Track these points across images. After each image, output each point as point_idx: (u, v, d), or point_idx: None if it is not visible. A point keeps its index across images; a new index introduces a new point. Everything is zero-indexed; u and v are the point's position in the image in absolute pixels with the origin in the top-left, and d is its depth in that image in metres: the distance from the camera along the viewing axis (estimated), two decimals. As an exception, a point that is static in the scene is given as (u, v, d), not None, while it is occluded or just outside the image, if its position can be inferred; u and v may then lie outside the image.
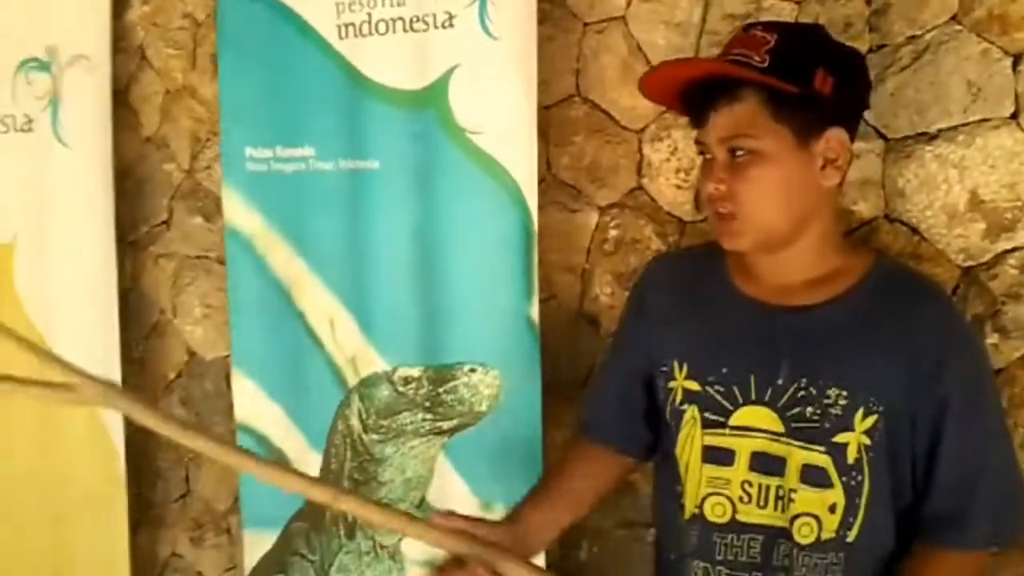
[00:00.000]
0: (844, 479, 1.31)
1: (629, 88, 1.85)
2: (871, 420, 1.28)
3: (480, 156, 1.82)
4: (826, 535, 1.32)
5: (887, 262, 1.46)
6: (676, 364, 1.42)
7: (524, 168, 1.79)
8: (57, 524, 2.43)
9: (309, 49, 1.97)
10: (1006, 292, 1.58)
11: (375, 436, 1.97)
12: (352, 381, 2.01)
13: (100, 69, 2.35)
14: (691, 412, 1.39)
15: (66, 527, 2.43)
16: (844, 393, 1.29)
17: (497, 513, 1.86)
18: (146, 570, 2.57)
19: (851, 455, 1.30)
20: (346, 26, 1.93)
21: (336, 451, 2.03)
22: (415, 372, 1.92)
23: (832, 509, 1.32)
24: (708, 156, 1.34)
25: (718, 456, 1.37)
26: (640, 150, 1.88)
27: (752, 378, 1.35)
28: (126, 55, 2.46)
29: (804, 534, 1.33)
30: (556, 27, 1.93)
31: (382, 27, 1.89)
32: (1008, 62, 1.55)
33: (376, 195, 1.93)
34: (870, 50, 1.63)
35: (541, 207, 1.96)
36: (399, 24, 1.88)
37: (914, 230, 1.63)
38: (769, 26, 1.36)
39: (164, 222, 2.48)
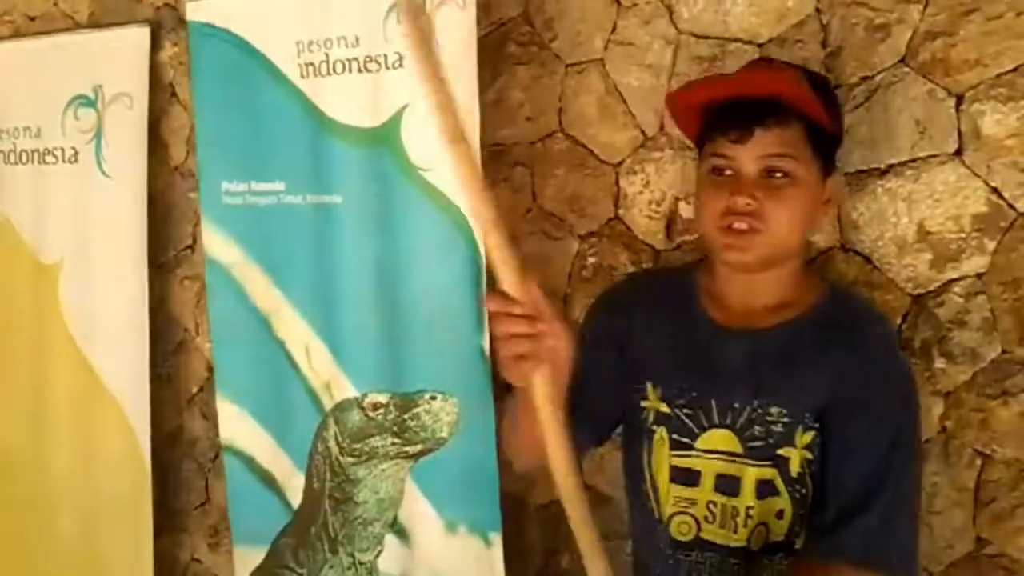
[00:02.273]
0: (789, 489, 1.35)
1: (607, 125, 1.90)
2: (810, 436, 1.33)
3: (432, 192, 1.86)
4: (773, 537, 1.37)
5: (840, 292, 1.51)
6: (650, 386, 1.46)
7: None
8: (88, 528, 2.54)
9: (275, 87, 2.01)
10: (952, 319, 1.60)
11: (350, 458, 2.01)
12: (328, 405, 2.05)
13: (138, 106, 2.50)
14: (660, 433, 1.44)
15: (97, 531, 2.53)
16: (784, 411, 1.35)
17: (461, 535, 1.91)
18: (168, 573, 2.66)
19: (794, 469, 1.34)
20: (307, 65, 1.97)
21: (317, 472, 2.08)
22: (383, 399, 1.96)
23: (779, 515, 1.37)
24: (728, 173, 1.35)
25: (685, 477, 1.42)
26: (617, 183, 1.92)
27: (713, 402, 1.39)
28: (158, 91, 2.61)
29: (756, 541, 1.38)
30: (542, 68, 1.97)
31: (339, 67, 1.93)
32: (952, 102, 1.57)
33: (340, 229, 1.97)
34: (828, 90, 1.72)
35: (526, 236, 2.05)
36: (354, 64, 1.92)
37: (867, 259, 1.66)
38: (792, 66, 1.45)
39: (189, 246, 2.59)
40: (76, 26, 2.63)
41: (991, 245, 1.57)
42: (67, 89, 2.51)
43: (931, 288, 1.62)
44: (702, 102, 1.41)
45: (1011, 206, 1.55)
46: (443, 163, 1.81)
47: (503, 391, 1.88)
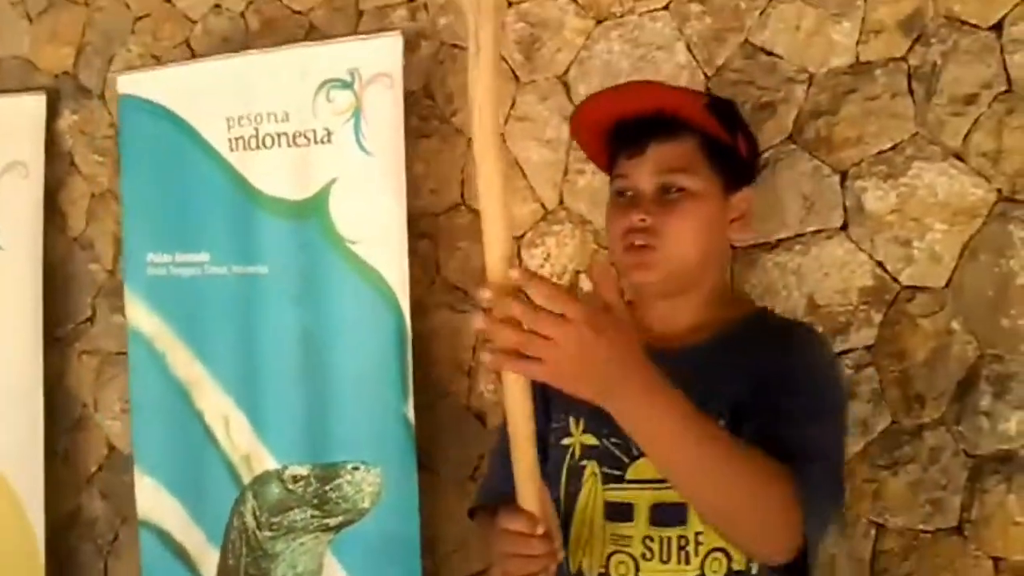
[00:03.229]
0: None
1: (509, 196, 1.92)
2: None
3: (358, 263, 1.88)
4: (736, 566, 1.26)
5: (766, 311, 1.48)
6: (572, 420, 1.37)
7: (397, 275, 1.85)
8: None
9: (203, 160, 2.04)
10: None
11: (267, 533, 1.98)
12: (246, 479, 2.03)
13: (34, 174, 2.45)
14: (591, 468, 1.34)
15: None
16: (722, 423, 1.23)
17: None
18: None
19: None
20: (236, 139, 2.00)
21: (233, 547, 2.04)
22: (303, 471, 1.95)
23: None
24: (628, 193, 1.33)
25: (619, 511, 1.32)
26: (519, 255, 1.93)
27: None
28: (56, 161, 2.56)
29: (714, 569, 1.27)
30: (443, 142, 2.01)
31: (268, 141, 1.97)
32: (836, 178, 1.63)
33: (265, 299, 1.98)
34: (718, 165, 1.76)
35: (432, 308, 2.03)
36: (283, 139, 1.95)
37: None
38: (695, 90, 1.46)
39: (88, 319, 2.54)
40: (-31, 93, 2.57)
41: (878, 318, 1.61)
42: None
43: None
44: (598, 121, 1.39)
45: (895, 279, 1.59)
46: (369, 234, 1.87)
47: (425, 459, 1.88)
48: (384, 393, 1.86)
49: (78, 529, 2.54)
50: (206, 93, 2.05)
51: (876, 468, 1.61)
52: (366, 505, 1.89)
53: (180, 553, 2.13)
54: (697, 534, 1.27)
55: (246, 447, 2.03)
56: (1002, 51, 1.51)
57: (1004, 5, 1.50)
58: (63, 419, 2.54)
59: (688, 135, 1.32)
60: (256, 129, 1.99)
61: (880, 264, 1.61)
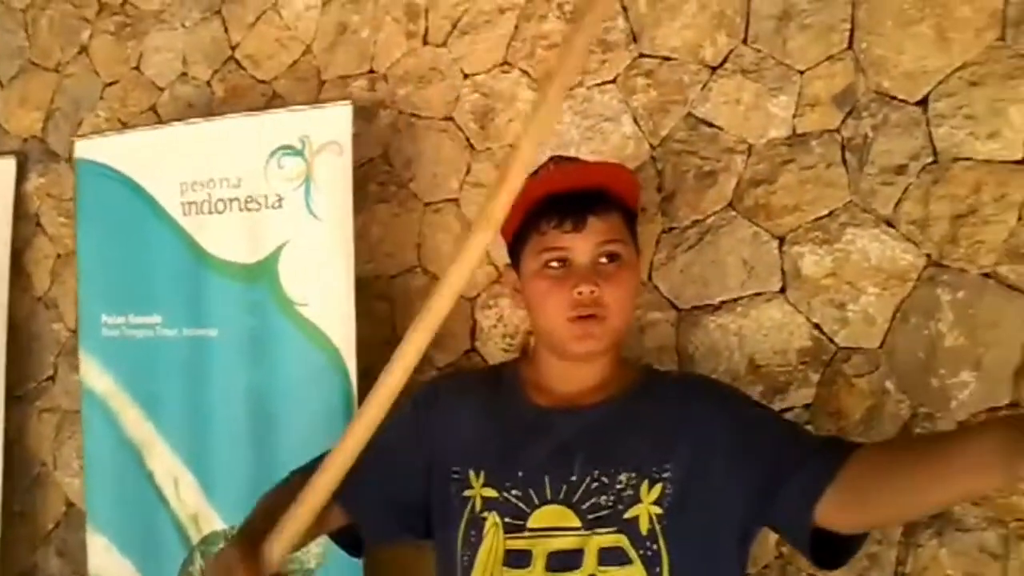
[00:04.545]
0: (641, 551, 1.29)
1: None
2: (658, 489, 1.30)
3: (306, 326, 1.88)
4: None
5: (652, 369, 1.57)
6: (472, 473, 1.39)
7: (343, 337, 1.84)
8: None
9: (157, 224, 2.05)
10: None
11: None
12: (195, 539, 1.99)
13: (1, 235, 2.47)
14: (492, 519, 1.36)
15: None
16: (633, 474, 1.31)
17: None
18: None
19: (643, 527, 1.29)
20: (189, 204, 2.02)
21: None
22: None
23: None
24: (560, 264, 1.35)
25: (517, 559, 1.34)
26: (473, 316, 1.95)
27: (546, 479, 1.34)
28: (23, 222, 2.58)
29: None
30: (401, 206, 2.04)
31: (220, 206, 1.98)
32: (775, 244, 1.66)
33: (215, 362, 1.97)
34: (663, 231, 1.76)
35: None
36: (235, 204, 1.97)
37: None
38: (587, 161, 1.53)
39: (50, 378, 2.53)
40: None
41: (815, 377, 1.64)
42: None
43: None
44: (531, 199, 1.40)
45: (831, 340, 1.63)
46: (317, 298, 1.88)
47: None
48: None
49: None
50: (161, 158, 2.07)
51: (816, 524, 1.63)
52: (312, 566, 1.87)
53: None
54: None
55: (194, 507, 2.00)
56: (928, 124, 1.57)
57: (929, 82, 1.57)
58: (22, 477, 2.51)
59: (616, 207, 1.38)
60: (209, 194, 2.00)
61: (817, 326, 1.64)
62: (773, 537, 1.66)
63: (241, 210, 1.97)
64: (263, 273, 1.93)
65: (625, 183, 1.40)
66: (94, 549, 2.14)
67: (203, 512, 2.00)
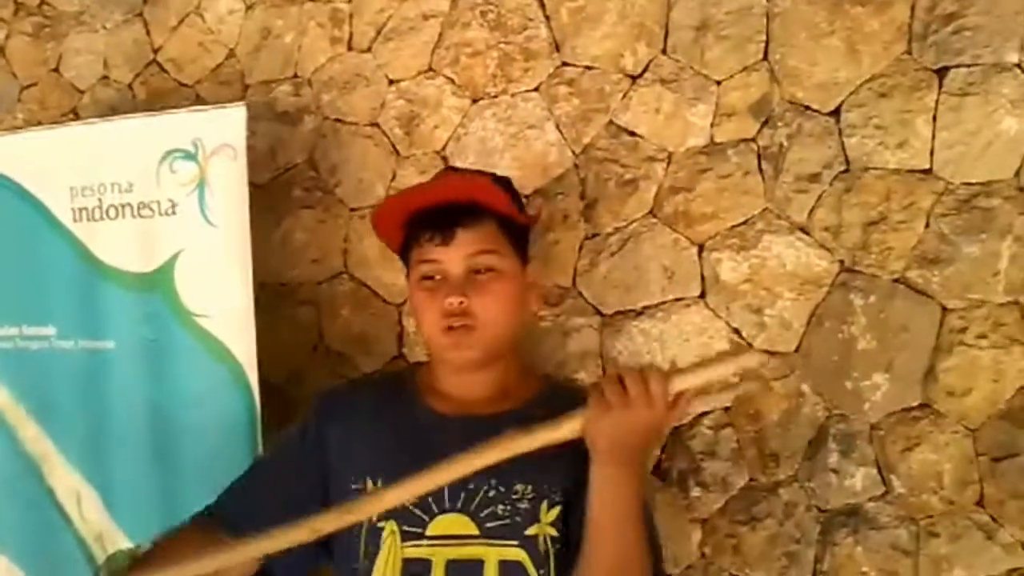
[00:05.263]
0: (541, 571, 1.29)
1: (389, 267, 1.91)
2: (555, 512, 1.30)
3: (206, 337, 1.79)
4: None
5: (554, 381, 1.61)
6: (370, 482, 1.36)
7: (245, 349, 1.77)
8: None
9: (48, 231, 1.94)
10: (704, 450, 1.65)
11: None
12: (100, 557, 1.89)
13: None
14: (390, 527, 1.34)
15: None
16: (529, 487, 1.30)
17: None
18: None
19: (541, 546, 1.30)
20: (80, 210, 1.91)
21: None
22: None
23: None
24: (436, 277, 1.35)
25: (415, 568, 1.32)
26: (400, 322, 1.93)
27: (445, 487, 1.30)
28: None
29: None
30: (327, 212, 2.00)
31: (112, 212, 1.88)
32: (694, 250, 1.67)
33: (112, 374, 1.87)
34: (586, 237, 1.76)
35: (313, 374, 1.99)
36: (127, 210, 1.87)
37: None
38: (477, 171, 1.50)
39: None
40: None
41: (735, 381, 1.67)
42: None
43: (684, 421, 1.67)
44: (405, 213, 1.41)
45: (749, 344, 1.65)
46: (216, 308, 1.80)
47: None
48: (235, 469, 1.72)
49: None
50: (50, 163, 1.95)
51: (735, 524, 1.63)
52: None
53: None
54: None
55: (98, 525, 1.90)
56: (840, 134, 1.60)
57: (840, 93, 1.60)
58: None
59: (489, 219, 1.36)
60: (100, 199, 1.90)
61: (736, 330, 1.65)
62: (696, 537, 1.68)
63: (134, 216, 1.87)
64: (159, 282, 1.84)
65: (493, 193, 1.38)
66: (-6, 570, 2.01)
67: (107, 530, 1.90)
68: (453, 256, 1.35)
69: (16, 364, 1.99)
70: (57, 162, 1.94)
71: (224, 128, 1.79)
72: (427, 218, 1.36)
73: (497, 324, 1.36)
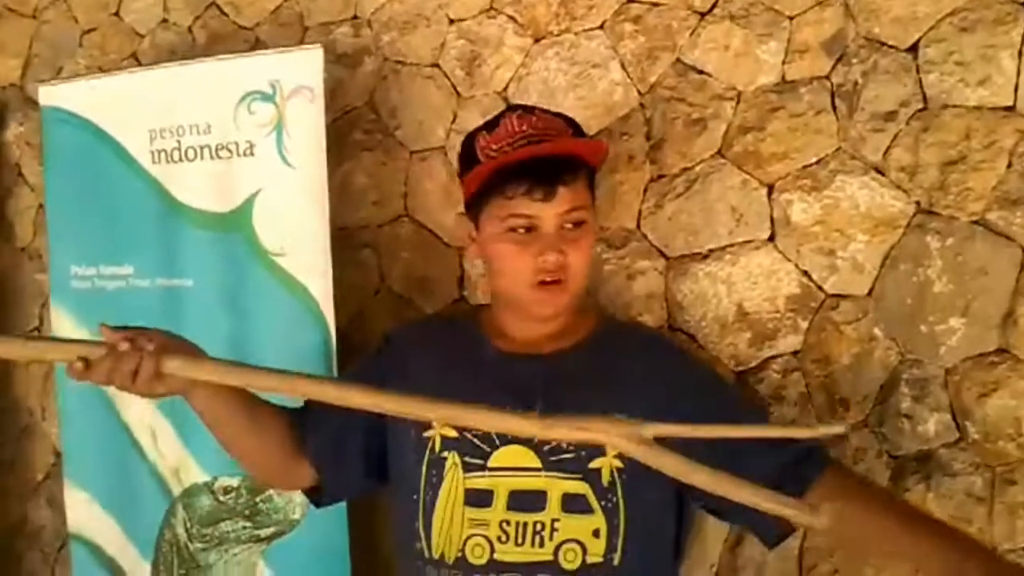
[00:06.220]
0: (602, 503, 1.30)
1: (450, 210, 1.89)
2: None
3: (283, 276, 1.80)
4: (592, 559, 1.30)
5: (610, 318, 1.64)
6: None
7: (321, 288, 1.78)
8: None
9: (126, 172, 1.95)
10: (771, 394, 1.62)
11: (199, 544, 1.90)
12: (176, 491, 1.93)
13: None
14: (452, 458, 1.37)
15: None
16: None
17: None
18: None
19: (605, 478, 1.31)
20: (159, 152, 1.92)
21: (164, 559, 1.94)
22: (234, 482, 1.86)
23: (596, 534, 1.31)
24: (528, 231, 1.33)
25: (478, 498, 1.34)
26: (461, 265, 1.91)
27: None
28: (4, 171, 2.51)
29: (569, 559, 1.31)
30: (387, 155, 1.97)
31: (191, 154, 1.88)
32: (764, 191, 1.62)
33: (191, 312, 1.88)
34: (652, 179, 1.71)
35: (375, 317, 1.99)
36: (206, 151, 1.87)
37: (692, 338, 1.68)
38: (543, 109, 1.43)
39: (36, 328, 2.49)
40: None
41: (804, 324, 1.62)
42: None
43: (751, 365, 1.65)
44: (505, 161, 1.37)
45: (820, 288, 1.61)
46: (293, 247, 1.80)
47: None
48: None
49: (25, 538, 2.47)
50: (128, 105, 1.96)
51: (803, 470, 1.63)
52: (296, 516, 1.82)
53: (113, 569, 2.02)
54: (554, 521, 1.31)
55: (174, 459, 1.94)
56: (918, 71, 1.53)
57: (919, 28, 1.52)
58: (10, 427, 2.46)
59: (583, 172, 1.35)
60: (179, 141, 1.90)
61: (806, 273, 1.60)
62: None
63: (212, 158, 1.87)
64: (237, 223, 1.85)
65: (593, 148, 1.37)
66: (73, 504, 2.07)
67: (184, 464, 1.93)
68: (550, 213, 1.33)
69: (93, 303, 2.01)
70: (136, 105, 1.95)
71: (302, 69, 1.78)
72: (527, 171, 1.32)
73: (584, 276, 1.38)
